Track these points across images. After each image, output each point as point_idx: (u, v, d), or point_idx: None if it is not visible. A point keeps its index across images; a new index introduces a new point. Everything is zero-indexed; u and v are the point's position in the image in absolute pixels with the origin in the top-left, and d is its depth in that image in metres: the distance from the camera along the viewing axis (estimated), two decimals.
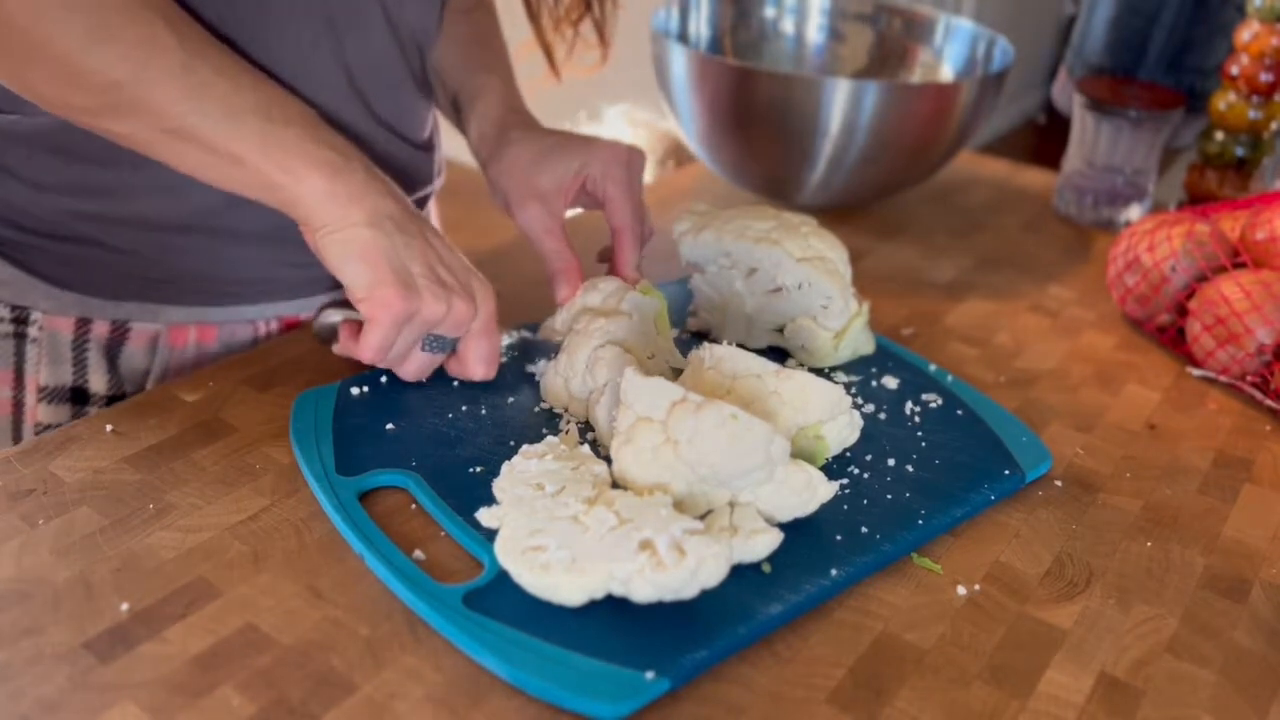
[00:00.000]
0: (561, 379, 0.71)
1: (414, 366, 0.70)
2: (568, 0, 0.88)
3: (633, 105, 3.15)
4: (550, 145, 0.80)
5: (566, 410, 0.71)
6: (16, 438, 0.79)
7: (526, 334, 0.78)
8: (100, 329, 0.77)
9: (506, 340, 0.77)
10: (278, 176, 0.63)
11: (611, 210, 0.79)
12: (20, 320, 0.77)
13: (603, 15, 0.89)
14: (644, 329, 0.72)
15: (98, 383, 0.78)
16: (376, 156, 0.76)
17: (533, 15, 0.89)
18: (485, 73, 0.87)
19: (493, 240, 0.98)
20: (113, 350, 0.78)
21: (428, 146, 0.88)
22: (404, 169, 0.83)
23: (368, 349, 0.66)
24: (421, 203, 0.90)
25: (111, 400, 0.79)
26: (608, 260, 0.82)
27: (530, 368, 0.76)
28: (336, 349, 0.71)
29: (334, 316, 0.71)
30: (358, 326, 0.70)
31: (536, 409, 0.72)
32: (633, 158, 0.79)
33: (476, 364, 0.71)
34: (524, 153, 0.80)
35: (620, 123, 3.16)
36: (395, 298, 0.64)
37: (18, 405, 0.78)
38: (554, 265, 0.78)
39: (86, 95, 0.61)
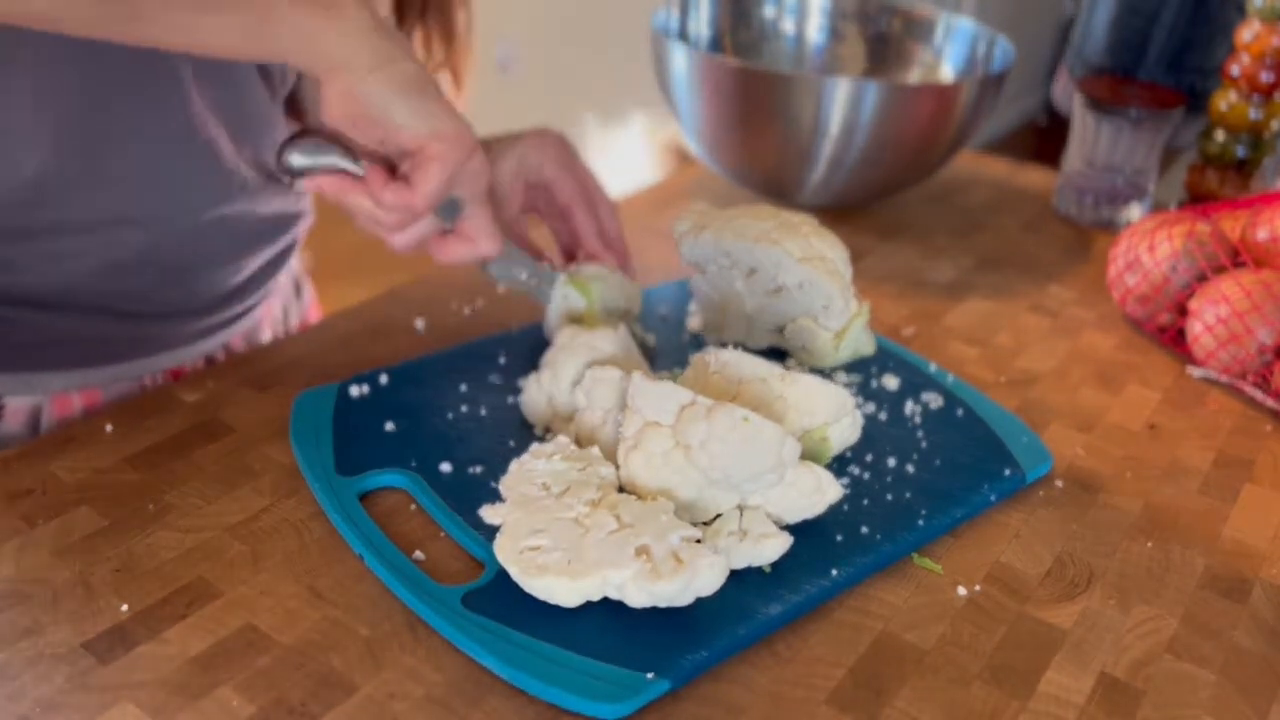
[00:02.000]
0: (545, 395, 0.68)
1: (414, 236, 0.66)
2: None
3: (650, 116, 3.15)
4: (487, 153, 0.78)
5: (549, 430, 0.69)
6: None
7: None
8: None
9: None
10: (313, 16, 0.57)
11: (557, 190, 0.78)
12: None
13: (457, 62, 0.88)
14: (625, 341, 0.71)
15: None
16: (241, 195, 0.75)
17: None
18: None
19: None
20: None
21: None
22: (274, 210, 0.81)
23: (429, 191, 0.62)
24: (286, 252, 0.86)
25: None
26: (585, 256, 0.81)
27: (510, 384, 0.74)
28: (313, 187, 0.65)
29: (315, 148, 0.64)
30: (383, 169, 0.64)
31: (512, 442, 0.69)
32: (562, 140, 0.79)
33: (486, 238, 0.68)
34: None
35: (634, 132, 3.16)
36: (467, 134, 0.61)
37: None
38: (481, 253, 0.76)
39: None
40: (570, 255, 0.83)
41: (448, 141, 0.61)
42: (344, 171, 0.64)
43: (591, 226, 0.80)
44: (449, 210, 0.66)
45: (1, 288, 0.69)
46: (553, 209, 0.81)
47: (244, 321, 0.85)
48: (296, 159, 0.64)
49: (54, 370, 0.73)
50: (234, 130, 0.74)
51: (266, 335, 0.90)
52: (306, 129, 0.67)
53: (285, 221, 0.84)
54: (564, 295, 0.75)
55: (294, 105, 0.84)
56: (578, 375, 0.67)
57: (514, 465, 0.61)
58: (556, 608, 0.54)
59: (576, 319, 0.77)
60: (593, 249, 0.80)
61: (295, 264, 0.92)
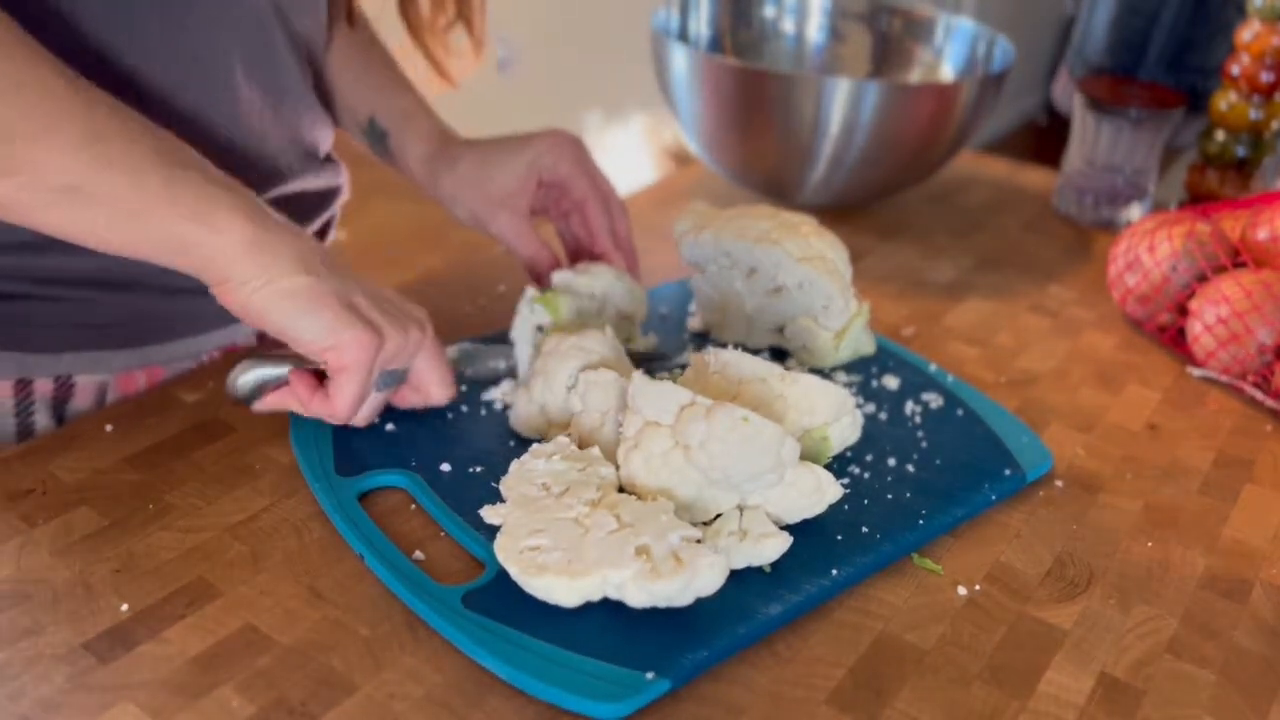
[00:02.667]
0: (537, 405, 0.67)
1: (370, 409, 0.65)
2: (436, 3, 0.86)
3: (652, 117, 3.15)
4: (496, 151, 0.80)
5: (544, 439, 0.67)
6: None
7: (467, 344, 0.75)
8: (43, 387, 0.72)
9: (451, 353, 0.73)
10: (190, 228, 0.56)
11: (572, 187, 0.80)
12: None
13: (470, 13, 0.88)
14: (615, 343, 0.70)
15: None
16: (288, 177, 0.75)
17: (410, 23, 0.86)
18: (404, 94, 0.86)
19: (457, 256, 0.98)
20: (59, 406, 0.73)
21: (332, 160, 0.86)
22: (315, 188, 0.82)
23: (346, 403, 0.61)
24: (325, 228, 0.88)
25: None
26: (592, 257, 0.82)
27: (486, 395, 0.72)
28: (263, 407, 0.66)
29: (258, 371, 0.64)
30: (310, 376, 0.64)
31: (512, 442, 0.69)
32: (577, 140, 0.81)
33: (437, 387, 0.67)
34: (474, 164, 0.80)
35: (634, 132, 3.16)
36: (366, 339, 0.59)
37: None
38: (535, 265, 0.79)
39: None
40: (576, 256, 0.84)
41: (349, 349, 0.59)
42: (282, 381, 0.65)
43: (605, 225, 0.81)
44: (390, 379, 0.65)
45: (65, 268, 0.70)
46: (563, 208, 0.82)
47: None
48: (240, 387, 0.65)
49: (118, 349, 0.74)
50: (277, 113, 0.75)
51: None
52: (253, 350, 0.68)
53: (326, 197, 0.85)
54: (531, 310, 0.74)
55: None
56: (571, 379, 0.67)
57: (514, 465, 0.61)
58: (556, 607, 0.54)
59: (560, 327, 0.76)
60: (604, 248, 0.81)
61: (333, 238, 0.92)
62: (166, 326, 0.76)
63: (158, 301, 0.74)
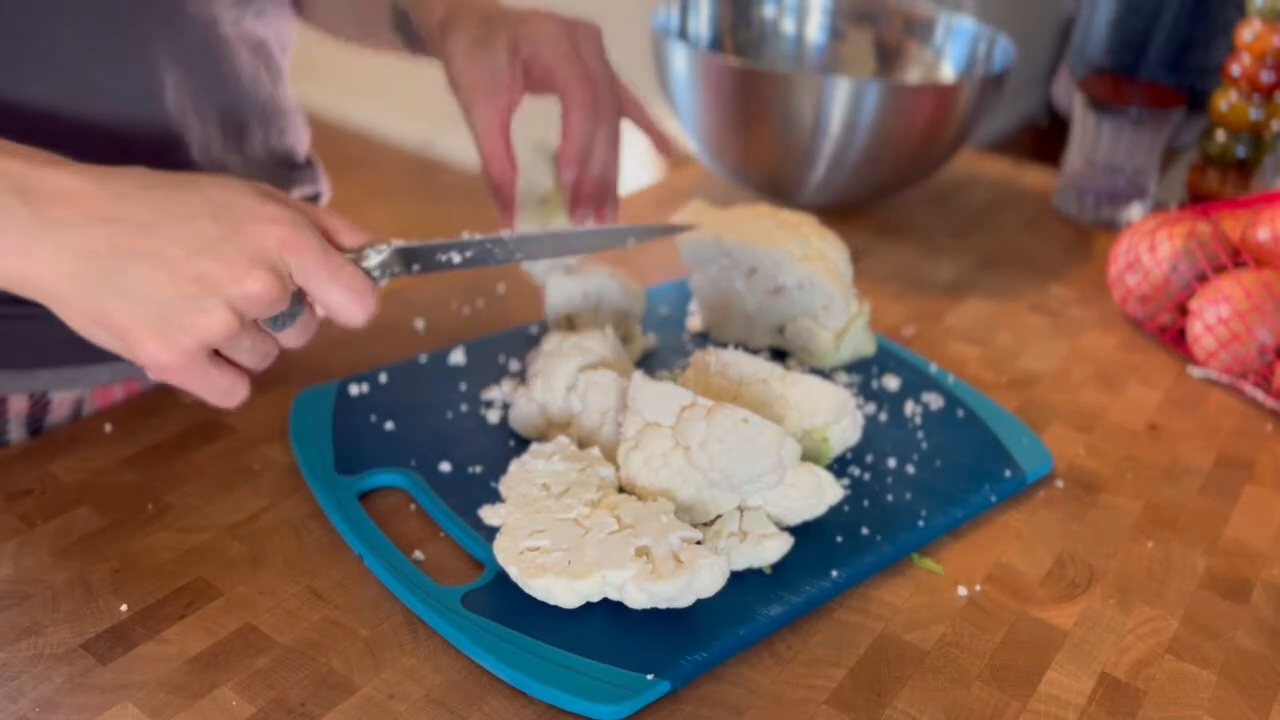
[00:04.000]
0: (537, 405, 0.67)
1: (292, 342, 0.56)
2: None
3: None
4: (484, 30, 0.69)
5: (544, 439, 0.67)
6: None
7: (399, 241, 0.58)
8: (18, 404, 0.70)
9: (376, 257, 0.57)
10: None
11: (554, 84, 0.68)
12: None
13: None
14: (615, 343, 0.70)
15: None
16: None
17: None
18: None
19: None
20: (34, 421, 0.71)
21: (311, 164, 0.82)
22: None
23: (218, 403, 0.54)
24: None
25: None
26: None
27: (486, 395, 0.72)
28: None
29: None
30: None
31: (512, 442, 0.68)
32: (577, 29, 0.69)
33: (341, 309, 0.54)
34: (462, 43, 0.70)
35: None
36: (158, 352, 0.50)
37: None
38: (490, 171, 0.68)
39: None
40: (575, 140, 0.71)
41: (159, 369, 0.51)
42: None
43: (580, 141, 0.68)
44: (282, 319, 0.54)
45: None
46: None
47: None
48: None
49: (94, 364, 0.71)
50: (240, 141, 0.73)
51: None
52: None
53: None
54: (555, 284, 0.74)
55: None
56: (570, 380, 0.66)
57: (514, 465, 0.61)
58: (556, 608, 0.54)
59: (571, 320, 0.77)
60: (566, 163, 0.68)
61: None
62: None
63: None
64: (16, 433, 0.72)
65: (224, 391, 0.53)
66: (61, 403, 0.73)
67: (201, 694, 0.51)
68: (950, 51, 1.16)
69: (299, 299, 0.54)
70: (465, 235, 0.61)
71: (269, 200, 0.52)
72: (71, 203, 0.49)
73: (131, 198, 0.50)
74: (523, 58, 0.69)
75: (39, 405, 0.71)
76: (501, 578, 0.56)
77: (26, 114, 0.63)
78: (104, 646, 0.53)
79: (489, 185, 0.69)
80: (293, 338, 0.55)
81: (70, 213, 0.49)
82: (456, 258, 0.60)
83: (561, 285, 0.76)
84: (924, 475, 0.67)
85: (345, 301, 0.53)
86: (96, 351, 0.65)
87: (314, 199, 0.84)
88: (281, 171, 0.79)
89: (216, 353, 0.53)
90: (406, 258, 0.58)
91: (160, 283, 0.49)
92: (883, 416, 0.73)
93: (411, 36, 0.78)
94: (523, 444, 0.67)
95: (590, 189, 0.71)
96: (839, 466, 0.67)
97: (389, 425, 0.69)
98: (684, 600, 0.53)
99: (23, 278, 0.49)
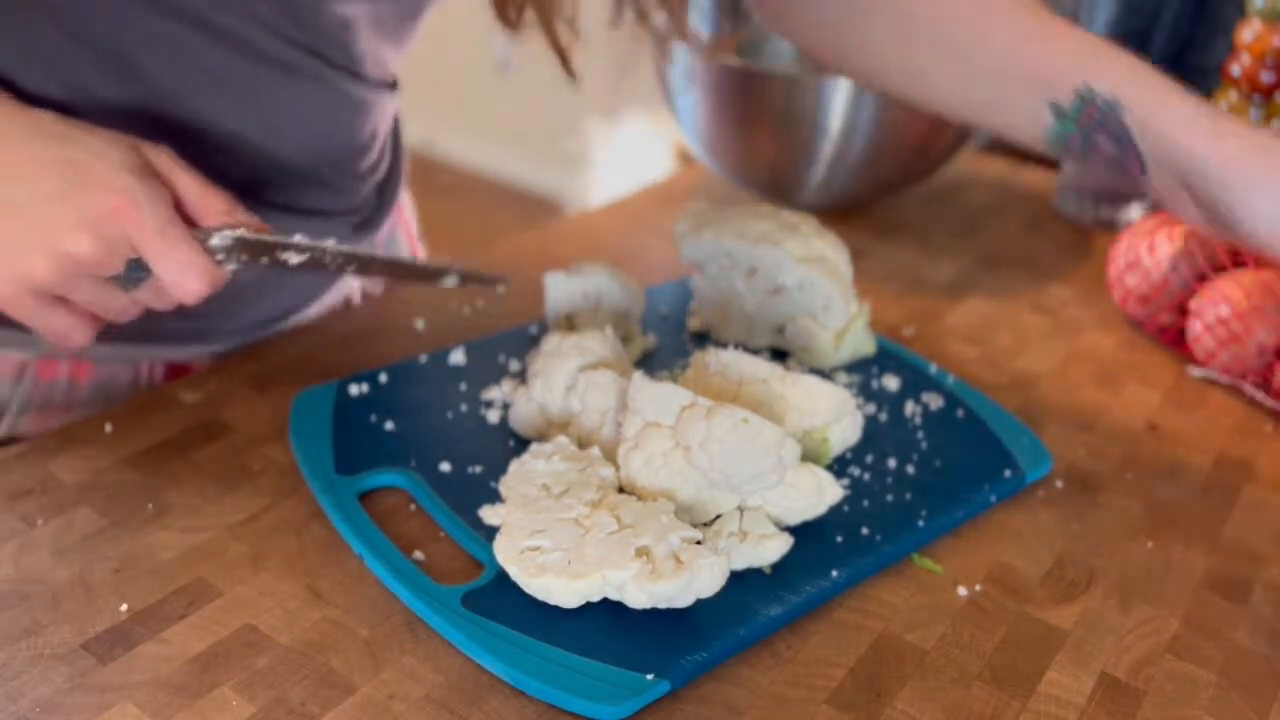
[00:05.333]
0: (537, 405, 0.67)
1: (152, 301, 0.58)
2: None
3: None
4: None
5: (543, 439, 0.67)
6: None
7: (245, 232, 0.59)
8: None
9: (219, 240, 0.58)
10: None
11: None
12: None
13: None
14: (615, 343, 0.70)
15: None
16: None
17: (544, 19, 0.77)
18: (1122, 62, 0.62)
19: (490, 235, 0.98)
20: None
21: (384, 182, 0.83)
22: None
23: (55, 342, 0.57)
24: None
25: None
26: None
27: (486, 395, 0.72)
28: None
29: None
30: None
31: (512, 442, 0.68)
32: None
33: (175, 282, 0.56)
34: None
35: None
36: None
37: None
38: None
39: None
40: None
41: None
42: None
43: None
44: (130, 277, 0.57)
45: None
46: None
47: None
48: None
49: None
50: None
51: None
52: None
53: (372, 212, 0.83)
54: (554, 284, 0.74)
55: None
56: (570, 380, 0.66)
57: (514, 465, 0.61)
58: (556, 608, 0.54)
59: (571, 320, 0.77)
60: None
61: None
62: (113, 325, 0.70)
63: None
64: None
65: (60, 333, 0.56)
66: (5, 362, 0.71)
67: (202, 694, 0.51)
68: None
69: (140, 265, 0.56)
70: (299, 238, 0.63)
71: (126, 170, 0.54)
72: None
73: (6, 142, 0.53)
74: None
75: None
76: (501, 578, 0.56)
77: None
78: (104, 646, 0.53)
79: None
80: (149, 299, 0.57)
81: None
82: (294, 258, 0.62)
83: (561, 285, 0.76)
84: (924, 475, 0.68)
85: (175, 276, 0.55)
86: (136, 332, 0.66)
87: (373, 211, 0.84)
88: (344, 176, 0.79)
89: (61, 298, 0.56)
90: (249, 247, 0.60)
91: (3, 228, 0.52)
92: (883, 416, 0.73)
93: (1099, 139, 0.64)
94: (523, 444, 0.67)
95: None
96: (839, 466, 0.67)
97: (389, 425, 0.69)
98: (684, 600, 0.54)
99: None
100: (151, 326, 0.70)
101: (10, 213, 0.52)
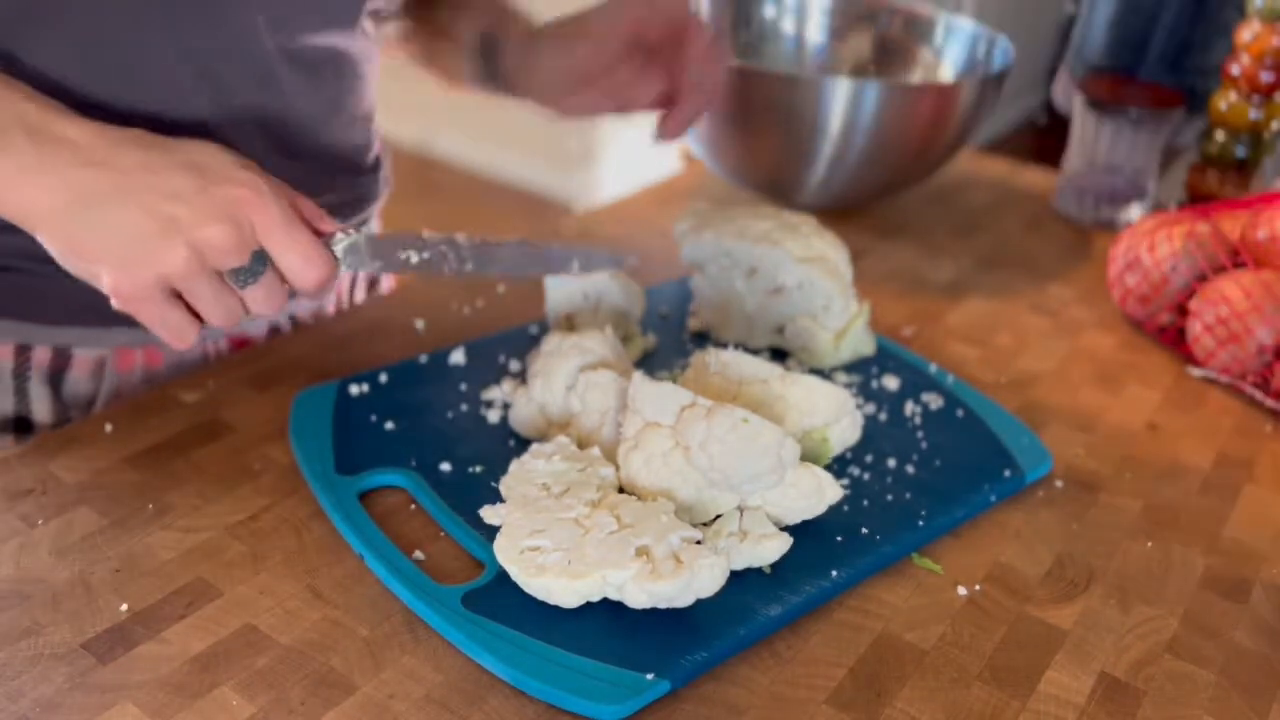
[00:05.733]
0: (537, 405, 0.67)
1: (256, 304, 0.59)
2: None
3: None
4: (582, 14, 0.78)
5: (544, 439, 0.67)
6: None
7: (367, 232, 0.64)
8: (41, 356, 0.74)
9: (343, 241, 0.62)
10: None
11: (676, 23, 0.75)
12: None
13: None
14: (615, 343, 0.70)
15: (41, 411, 0.75)
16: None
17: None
18: (508, 12, 0.85)
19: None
20: (55, 377, 0.75)
21: (374, 168, 0.86)
22: (347, 199, 0.81)
23: (163, 336, 0.58)
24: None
25: (56, 429, 0.73)
26: None
27: (486, 395, 0.72)
28: None
29: None
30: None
31: (512, 442, 0.68)
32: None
33: (296, 272, 0.58)
34: (561, 31, 0.79)
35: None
36: (120, 281, 0.55)
37: None
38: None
39: None
40: (663, 102, 0.80)
41: (127, 301, 0.57)
42: None
43: (701, 41, 0.76)
44: (244, 274, 0.58)
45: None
46: (654, 43, 0.77)
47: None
48: None
49: (118, 326, 0.73)
50: (260, 126, 0.73)
51: (330, 309, 0.90)
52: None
53: (357, 204, 0.85)
54: (555, 284, 0.75)
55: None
56: (570, 380, 0.66)
57: (514, 465, 0.61)
58: (556, 608, 0.54)
59: (571, 320, 0.77)
60: (707, 68, 0.76)
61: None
62: None
63: None
64: (37, 386, 0.74)
65: (175, 329, 0.58)
66: (83, 360, 0.75)
67: (202, 693, 0.51)
68: (950, 52, 1.16)
69: (261, 259, 0.58)
70: (426, 233, 0.65)
71: (244, 168, 0.58)
72: (71, 148, 0.55)
73: (122, 150, 0.56)
74: (635, 21, 0.75)
75: (61, 359, 0.74)
76: (502, 577, 0.56)
77: (70, 93, 0.65)
78: (104, 646, 0.53)
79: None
80: (258, 300, 0.59)
81: (66, 156, 0.55)
82: (414, 258, 0.65)
83: (561, 285, 0.76)
84: (924, 475, 0.68)
85: (299, 265, 0.58)
86: (121, 315, 0.67)
87: (361, 201, 0.86)
88: (334, 173, 0.81)
89: (179, 297, 0.58)
90: (372, 248, 0.63)
91: (130, 221, 0.55)
92: (882, 416, 0.73)
93: (488, 67, 0.83)
94: (523, 444, 0.67)
95: (697, 99, 0.78)
96: (838, 466, 0.67)
97: (389, 425, 0.69)
98: (684, 600, 0.54)
99: (17, 207, 0.56)
100: None
101: (144, 210, 0.55)
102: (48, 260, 0.65)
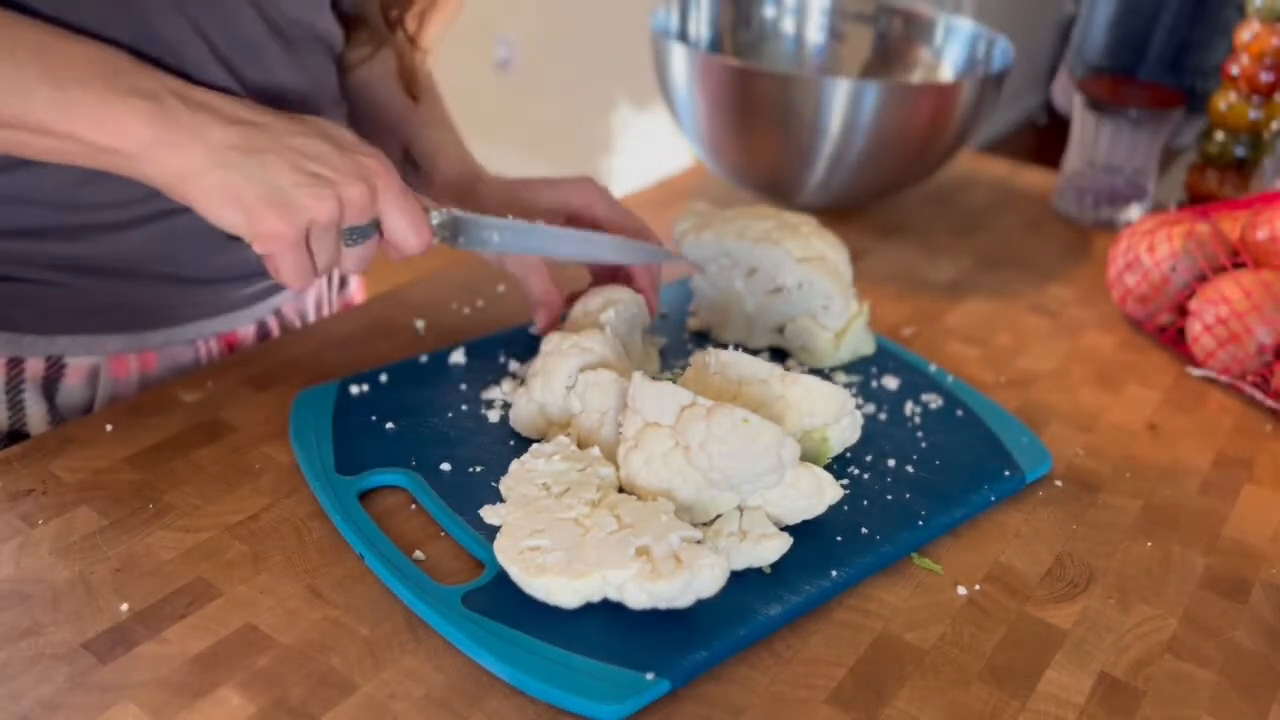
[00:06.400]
0: (537, 405, 0.67)
1: (351, 263, 0.66)
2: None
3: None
4: (521, 187, 0.80)
5: (544, 439, 0.67)
6: None
7: (456, 211, 0.70)
8: (34, 367, 0.75)
9: (436, 218, 0.69)
10: (99, 139, 0.59)
11: (610, 227, 0.78)
12: None
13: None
14: (615, 343, 0.70)
15: (37, 422, 0.76)
16: None
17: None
18: (439, 128, 0.87)
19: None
20: (49, 387, 0.76)
21: None
22: None
23: (288, 279, 0.63)
24: None
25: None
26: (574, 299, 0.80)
27: (486, 395, 0.72)
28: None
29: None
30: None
31: (512, 442, 0.68)
32: (603, 186, 0.80)
33: (404, 237, 0.66)
34: (498, 198, 0.80)
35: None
36: (276, 224, 0.61)
37: None
38: (538, 299, 0.77)
39: None
40: (599, 280, 0.82)
41: (266, 239, 0.61)
42: None
43: (646, 273, 0.79)
44: (359, 234, 0.65)
45: (64, 256, 0.72)
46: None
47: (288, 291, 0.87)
48: None
49: (112, 333, 0.77)
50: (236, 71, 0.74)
51: (310, 305, 0.92)
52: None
53: None
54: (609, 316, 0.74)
55: None
56: (570, 379, 0.67)
57: (514, 465, 0.61)
58: (557, 608, 0.54)
59: (619, 341, 0.76)
60: (642, 284, 0.78)
61: None
62: (163, 314, 0.78)
63: (154, 289, 0.76)
64: (31, 396, 0.75)
65: (303, 272, 0.63)
66: (76, 369, 0.76)
67: (202, 693, 0.51)
68: (950, 52, 1.16)
69: (374, 223, 0.65)
70: (509, 218, 0.71)
71: (362, 140, 0.65)
72: (214, 110, 0.61)
73: (258, 112, 0.62)
74: (567, 216, 0.78)
75: (54, 369, 0.75)
76: (502, 577, 0.56)
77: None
78: (105, 646, 0.53)
79: (536, 309, 0.77)
80: (353, 259, 0.65)
81: (213, 116, 0.61)
82: (495, 236, 0.71)
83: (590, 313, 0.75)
84: (923, 475, 0.68)
85: (408, 228, 0.65)
86: (114, 322, 0.75)
87: None
88: None
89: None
90: (459, 226, 0.70)
91: (284, 172, 0.61)
92: (882, 416, 0.73)
93: (412, 179, 0.87)
94: (523, 444, 0.67)
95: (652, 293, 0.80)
96: (838, 466, 0.67)
97: (389, 425, 0.69)
98: (684, 600, 0.54)
99: (175, 166, 0.60)
100: (204, 302, 0.79)
101: (292, 165, 0.61)
102: (45, 265, 0.68)
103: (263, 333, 0.86)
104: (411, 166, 0.87)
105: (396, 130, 0.87)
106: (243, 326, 0.84)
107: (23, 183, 0.68)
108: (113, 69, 0.60)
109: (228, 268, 0.79)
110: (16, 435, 0.76)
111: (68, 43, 0.60)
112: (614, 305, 0.72)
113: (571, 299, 0.79)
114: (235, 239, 0.65)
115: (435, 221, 0.69)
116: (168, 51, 0.67)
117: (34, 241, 0.71)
